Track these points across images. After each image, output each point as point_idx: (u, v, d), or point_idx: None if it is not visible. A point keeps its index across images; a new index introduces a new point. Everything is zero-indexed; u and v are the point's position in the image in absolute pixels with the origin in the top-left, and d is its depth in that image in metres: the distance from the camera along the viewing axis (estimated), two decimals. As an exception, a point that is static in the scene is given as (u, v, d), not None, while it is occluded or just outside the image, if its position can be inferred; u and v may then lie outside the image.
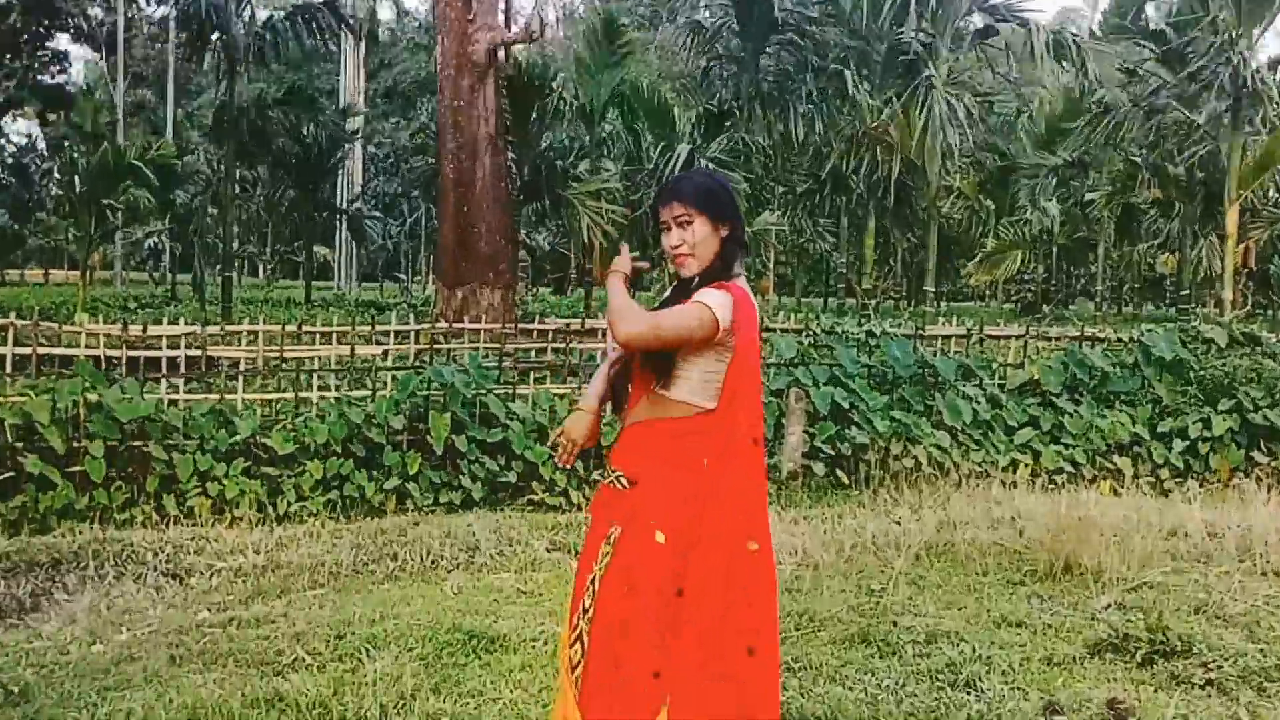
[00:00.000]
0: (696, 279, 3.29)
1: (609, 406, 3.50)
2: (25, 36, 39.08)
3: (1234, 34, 22.63)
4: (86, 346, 8.90)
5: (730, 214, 3.33)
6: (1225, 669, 4.74)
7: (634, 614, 3.12)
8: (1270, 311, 33.71)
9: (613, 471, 3.35)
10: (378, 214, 44.02)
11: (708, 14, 29.67)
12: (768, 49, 25.10)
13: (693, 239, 3.26)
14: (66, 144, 30.57)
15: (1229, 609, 5.55)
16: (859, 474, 9.01)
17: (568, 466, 3.34)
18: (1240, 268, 32.09)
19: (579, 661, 3.16)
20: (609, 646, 3.13)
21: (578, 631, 3.19)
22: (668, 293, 3.51)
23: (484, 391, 8.42)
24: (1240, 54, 22.52)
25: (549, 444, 3.38)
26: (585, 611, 3.18)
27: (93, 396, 7.47)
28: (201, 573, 6.06)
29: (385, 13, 54.24)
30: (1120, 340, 10.84)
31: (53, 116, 44.13)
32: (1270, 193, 29.40)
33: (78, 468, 7.26)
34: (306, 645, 4.90)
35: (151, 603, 5.51)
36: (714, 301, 3.19)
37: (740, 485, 3.23)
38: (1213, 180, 26.05)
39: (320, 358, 9.82)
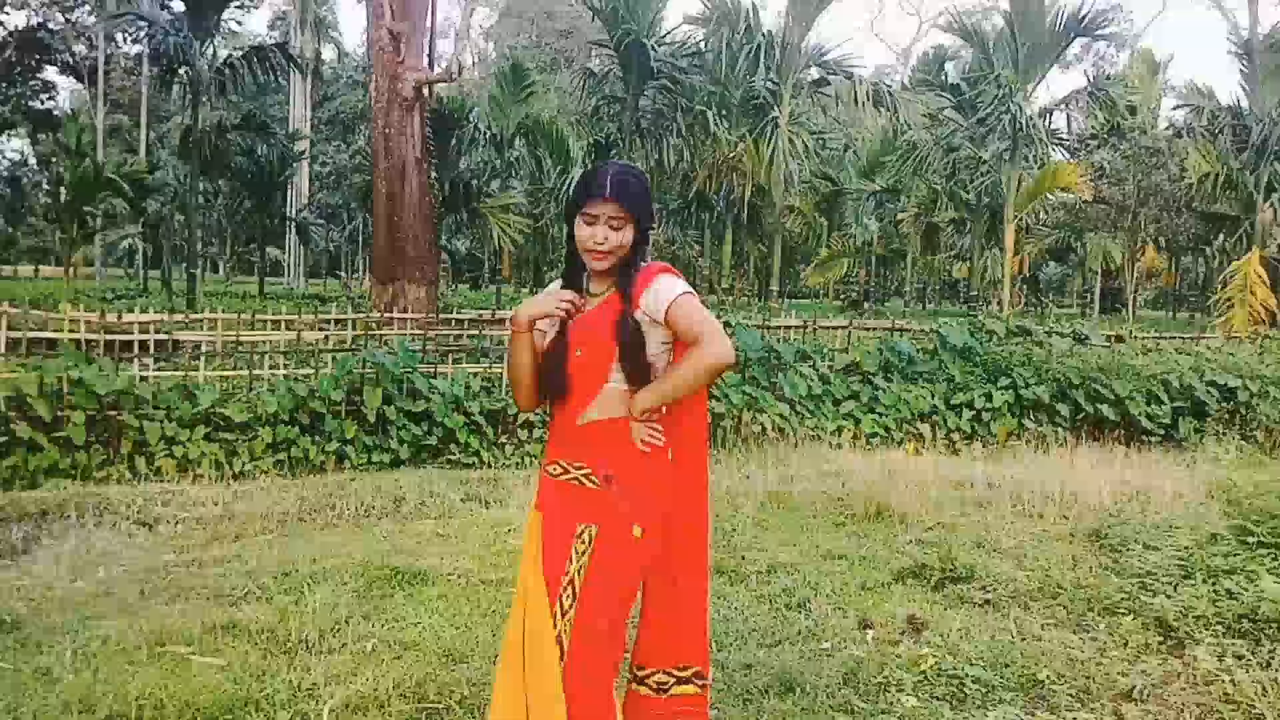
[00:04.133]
0: (614, 271, 2.76)
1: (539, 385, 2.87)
2: (19, 69, 37.67)
3: (1013, 88, 23.25)
4: (69, 331, 8.57)
5: (650, 223, 2.79)
6: (999, 591, 4.89)
7: (618, 616, 2.71)
8: (1039, 309, 34.84)
9: (575, 468, 2.77)
10: (321, 222, 43.14)
11: (598, 62, 29.72)
12: (646, 92, 25.09)
13: (619, 242, 2.70)
14: (54, 160, 29.41)
15: (1003, 543, 5.72)
16: (717, 438, 9.08)
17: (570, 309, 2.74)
18: (1016, 274, 33.10)
19: (559, 658, 2.65)
20: (593, 647, 2.67)
21: (557, 632, 2.66)
22: (557, 283, 2.90)
23: (410, 370, 8.30)
24: (1018, 104, 23.15)
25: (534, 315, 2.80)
26: (565, 614, 2.66)
27: (75, 373, 7.19)
28: (168, 522, 5.88)
29: (329, 53, 52.90)
30: (923, 331, 11.07)
31: (42, 136, 42.64)
32: (1040, 215, 30.26)
33: (62, 433, 6.99)
34: (257, 580, 4.79)
35: (125, 546, 5.34)
36: (680, 286, 2.73)
37: (701, 478, 2.92)
38: (996, 204, 26.75)
39: (271, 341, 9.58)
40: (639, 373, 2.73)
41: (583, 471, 2.77)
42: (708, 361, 2.66)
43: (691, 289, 2.76)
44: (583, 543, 2.70)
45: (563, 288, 2.85)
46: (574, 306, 2.77)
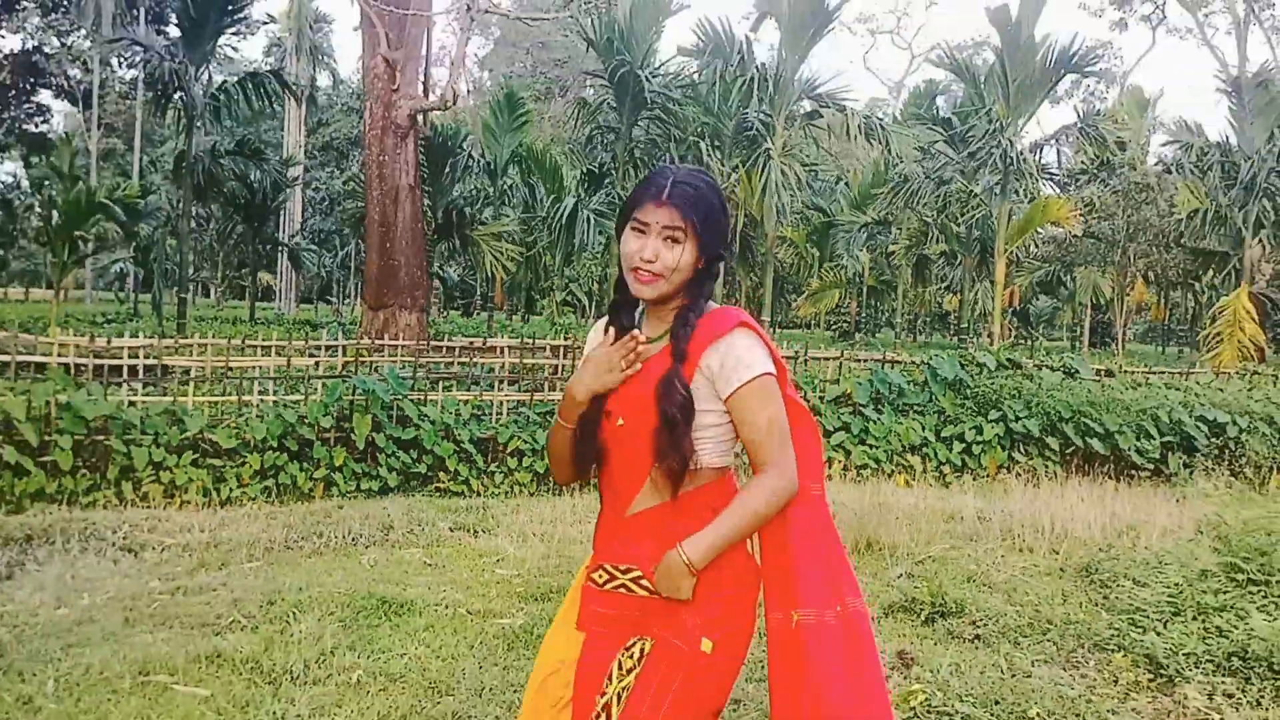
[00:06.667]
0: (669, 308, 2.16)
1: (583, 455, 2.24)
2: (13, 92, 37.88)
3: (1003, 123, 23.40)
4: (58, 355, 8.54)
5: (720, 247, 2.12)
6: (989, 626, 4.87)
7: None
8: (1029, 342, 34.93)
9: (621, 572, 2.16)
10: (313, 247, 43.21)
11: (591, 92, 29.79)
12: (639, 122, 25.19)
13: (672, 263, 2.07)
14: (46, 183, 29.38)
15: (993, 578, 5.70)
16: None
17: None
18: (1006, 307, 33.21)
19: None
20: None
21: None
22: (600, 322, 2.29)
23: (400, 397, 8.30)
24: (1008, 139, 23.29)
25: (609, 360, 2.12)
26: None
27: (63, 397, 7.17)
28: (153, 548, 5.84)
29: (324, 80, 53.05)
30: (914, 363, 11.08)
31: (35, 159, 42.84)
32: (1031, 248, 30.38)
33: (49, 458, 6.96)
34: (242, 609, 4.75)
35: (109, 573, 5.29)
36: (760, 361, 2.10)
37: (812, 546, 2.16)
38: (986, 237, 26.86)
39: (260, 367, 9.55)
40: (675, 456, 2.08)
41: (631, 575, 2.14)
42: (763, 502, 2.05)
43: (756, 344, 2.12)
44: (630, 657, 2.11)
45: (608, 327, 2.22)
46: (636, 355, 2.14)
